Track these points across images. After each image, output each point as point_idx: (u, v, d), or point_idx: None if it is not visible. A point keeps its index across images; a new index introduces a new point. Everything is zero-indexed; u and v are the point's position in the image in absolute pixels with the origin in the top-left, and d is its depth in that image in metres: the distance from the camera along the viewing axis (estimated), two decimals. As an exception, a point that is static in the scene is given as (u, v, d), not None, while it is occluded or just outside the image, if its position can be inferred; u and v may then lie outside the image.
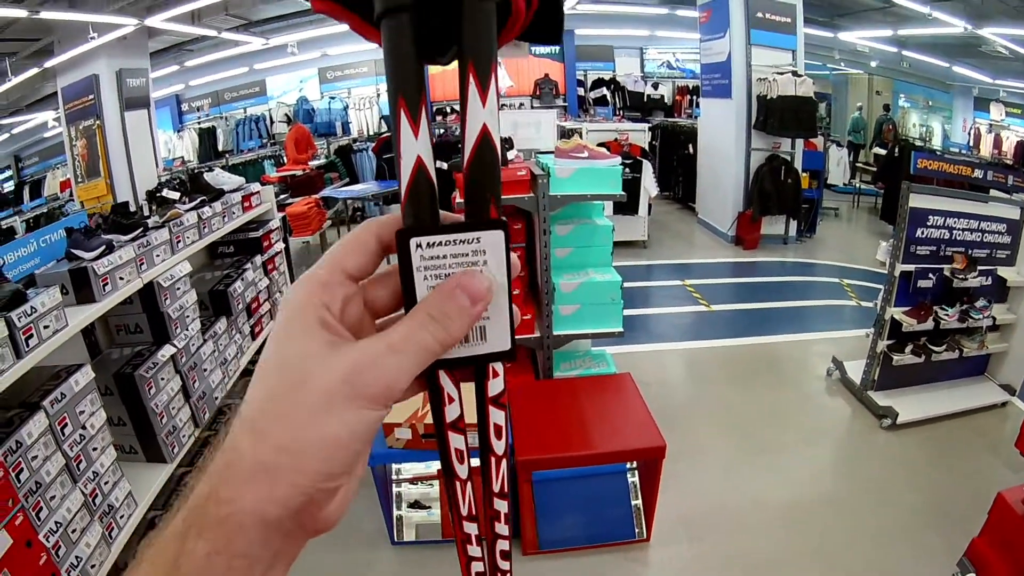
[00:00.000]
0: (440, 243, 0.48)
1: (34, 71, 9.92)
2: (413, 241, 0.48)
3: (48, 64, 9.44)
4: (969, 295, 4.87)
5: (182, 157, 14.08)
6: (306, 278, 0.48)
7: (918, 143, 15.38)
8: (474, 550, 0.57)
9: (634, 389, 3.76)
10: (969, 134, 16.25)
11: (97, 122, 9.70)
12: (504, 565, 0.58)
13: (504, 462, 0.55)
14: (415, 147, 0.48)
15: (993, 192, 5.52)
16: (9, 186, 14.23)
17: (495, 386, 0.53)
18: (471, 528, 0.56)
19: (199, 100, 15.28)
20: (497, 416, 0.54)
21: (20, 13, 7.08)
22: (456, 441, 0.53)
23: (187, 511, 0.42)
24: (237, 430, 0.43)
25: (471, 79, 0.47)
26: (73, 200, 10.58)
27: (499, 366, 0.53)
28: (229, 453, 0.42)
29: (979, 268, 4.79)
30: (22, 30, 8.49)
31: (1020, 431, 3.04)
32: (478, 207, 0.49)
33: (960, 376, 5.24)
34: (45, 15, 7.35)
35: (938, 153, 12.52)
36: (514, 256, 0.51)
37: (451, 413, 0.53)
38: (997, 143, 15.23)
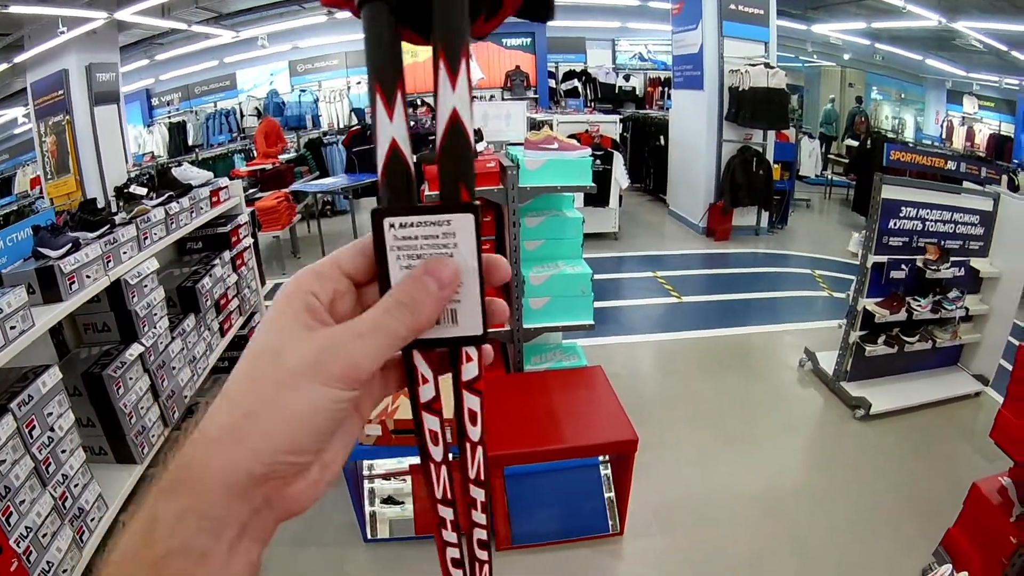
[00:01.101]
0: (412, 224, 0.49)
1: (3, 67, 9.79)
2: (387, 221, 0.50)
3: (18, 59, 9.33)
4: (942, 286, 4.92)
5: (152, 152, 13.92)
6: (303, 269, 0.51)
7: (890, 135, 15.51)
8: (449, 535, 0.57)
9: (605, 382, 3.76)
10: (942, 127, 16.40)
11: (67, 118, 9.60)
12: (482, 555, 0.59)
13: (480, 448, 0.56)
14: (390, 129, 0.50)
15: (966, 184, 5.57)
16: (-22, 184, 14.04)
17: (469, 371, 0.54)
18: (446, 512, 0.57)
19: (169, 94, 15.13)
20: (472, 401, 0.55)
21: (-9, 8, 6.99)
22: (430, 422, 0.55)
23: (165, 477, 0.44)
24: (216, 401, 0.46)
25: (441, 64, 0.48)
26: (43, 197, 10.46)
27: (472, 351, 0.54)
28: (205, 421, 0.45)
29: (952, 259, 4.82)
30: (-8, 25, 8.39)
31: (995, 421, 3.07)
32: (450, 191, 0.50)
33: (933, 366, 5.30)
34: (14, 9, 7.25)
35: (911, 145, 12.64)
36: (502, 303, 0.54)
37: (425, 393, 0.54)
38: (970, 136, 15.40)
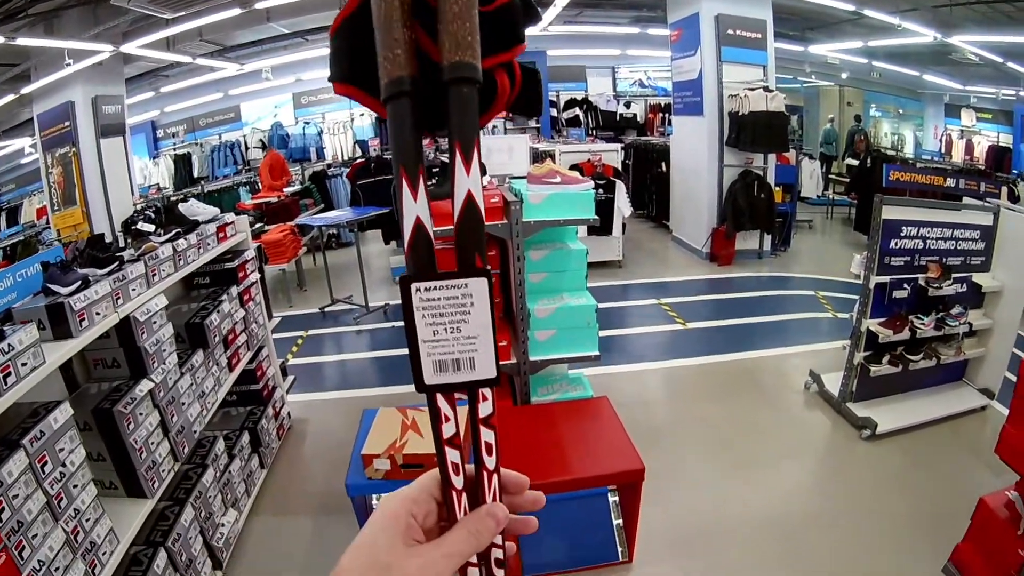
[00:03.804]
0: (435, 287, 0.59)
1: (11, 97, 9.89)
2: (414, 286, 0.59)
3: (25, 90, 9.44)
4: (944, 303, 4.93)
5: (158, 184, 14.02)
6: (402, 493, 0.66)
7: (890, 152, 15.56)
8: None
9: (611, 412, 3.77)
10: (941, 141, 16.47)
11: (73, 149, 9.68)
12: (499, 573, 0.67)
13: (496, 476, 0.65)
14: (415, 208, 0.59)
15: (966, 200, 5.59)
16: (-14, 213, 14.11)
17: (484, 408, 0.64)
18: None
19: (174, 126, 15.26)
20: (487, 435, 0.64)
21: (-3, 39, 7.08)
22: (452, 455, 0.64)
23: None
24: None
25: (458, 155, 0.58)
26: (50, 228, 10.52)
27: (488, 391, 0.63)
28: None
29: (954, 276, 4.85)
30: (-1, 56, 8.48)
31: (999, 436, 3.08)
32: (466, 259, 0.60)
33: (938, 383, 5.30)
34: (22, 41, 7.34)
35: (910, 162, 12.66)
36: (531, 520, 0.70)
37: (447, 431, 0.64)
38: (969, 148, 15.46)
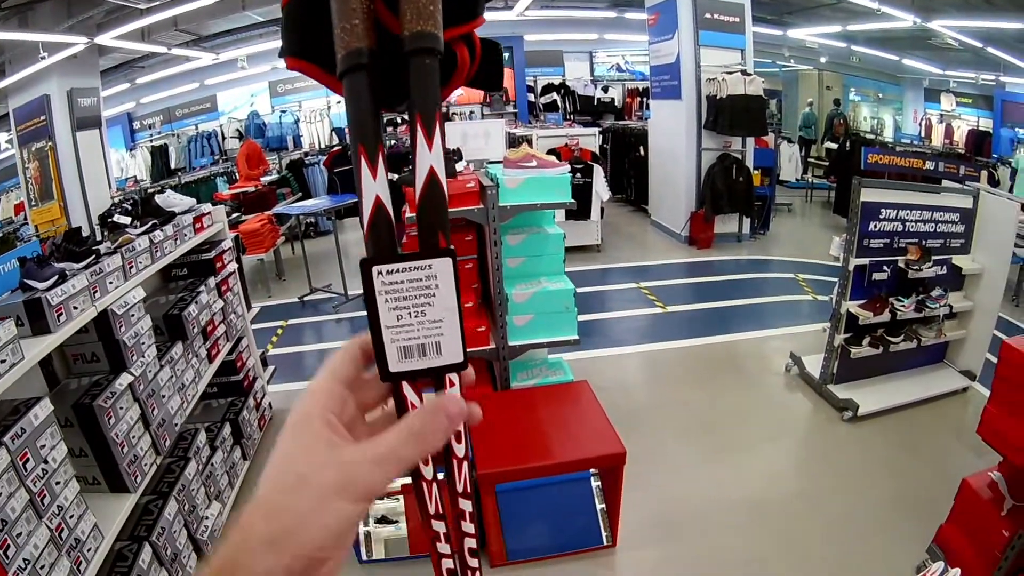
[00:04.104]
0: (398, 270, 0.56)
1: (-15, 92, 9.80)
2: (375, 269, 0.56)
3: (0, 85, 9.33)
4: (924, 285, 4.97)
5: (135, 176, 13.91)
6: (313, 388, 0.58)
7: (869, 136, 15.63)
8: (443, 547, 0.62)
9: (591, 396, 3.79)
10: (920, 125, 16.53)
11: (49, 144, 9.59)
12: (473, 562, 0.64)
13: (465, 464, 0.61)
14: (374, 187, 0.57)
15: (945, 183, 5.62)
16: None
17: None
18: (439, 526, 0.62)
19: (151, 118, 15.12)
20: None
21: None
22: None
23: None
24: (252, 511, 0.52)
25: (419, 128, 0.56)
26: (28, 224, 10.44)
27: (455, 377, 0.59)
28: (246, 529, 0.51)
29: (933, 258, 4.88)
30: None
31: (981, 417, 3.11)
32: (429, 238, 0.57)
33: (919, 365, 5.35)
34: (-5, 35, 7.28)
35: (889, 146, 12.73)
36: (475, 406, 0.59)
37: None
38: (948, 133, 15.52)
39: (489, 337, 4.04)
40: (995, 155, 13.28)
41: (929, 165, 6.62)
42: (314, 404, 0.56)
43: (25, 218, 10.67)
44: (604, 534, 3.66)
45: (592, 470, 3.75)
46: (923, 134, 16.22)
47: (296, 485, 0.52)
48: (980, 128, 14.80)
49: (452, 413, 0.56)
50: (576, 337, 4.06)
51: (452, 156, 3.95)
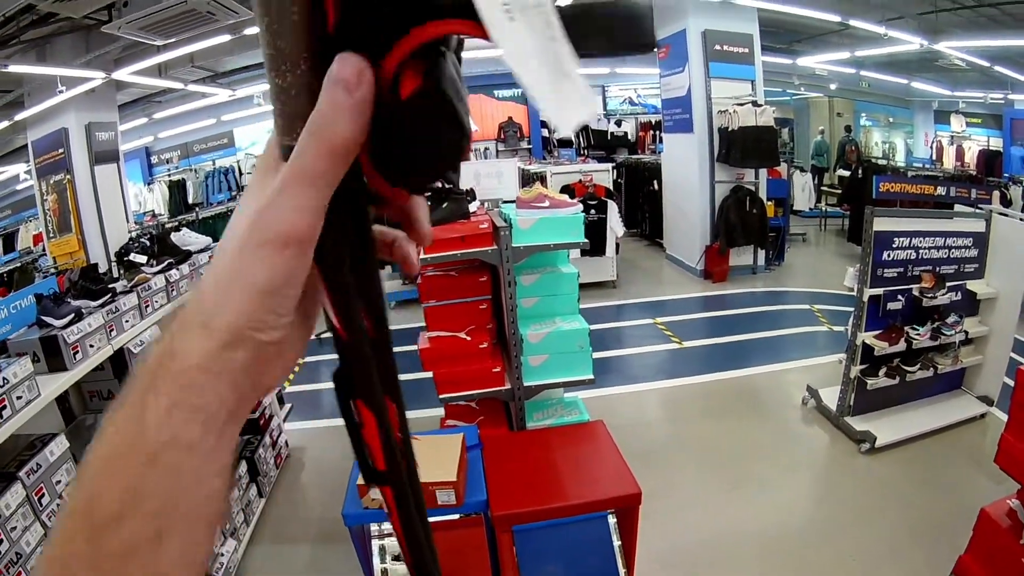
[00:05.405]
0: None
1: (4, 123, 9.90)
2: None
3: (18, 117, 9.42)
4: (939, 312, 4.94)
5: (153, 211, 14.00)
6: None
7: (881, 161, 15.60)
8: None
9: (607, 436, 3.77)
10: (931, 148, 16.53)
11: (68, 177, 9.66)
12: None
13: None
14: None
15: (958, 207, 5.60)
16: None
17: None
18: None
19: (168, 152, 15.28)
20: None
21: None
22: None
23: (150, 369, 0.44)
24: (191, 297, 0.46)
25: None
26: (46, 255, 10.50)
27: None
28: (183, 316, 0.45)
29: (947, 284, 4.86)
30: (-8, 82, 8.50)
31: (999, 446, 3.08)
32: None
33: (936, 393, 5.31)
34: (13, 68, 7.35)
35: (901, 171, 12.71)
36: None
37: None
38: (959, 154, 15.52)
39: (504, 378, 4.03)
40: (1006, 174, 13.24)
41: (940, 190, 6.60)
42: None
43: (44, 249, 10.73)
44: (622, 572, 3.63)
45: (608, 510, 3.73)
46: (934, 156, 16.22)
47: (218, 255, 0.45)
48: (991, 148, 14.79)
49: (346, 75, 0.40)
50: (591, 376, 4.04)
51: (465, 197, 3.96)
